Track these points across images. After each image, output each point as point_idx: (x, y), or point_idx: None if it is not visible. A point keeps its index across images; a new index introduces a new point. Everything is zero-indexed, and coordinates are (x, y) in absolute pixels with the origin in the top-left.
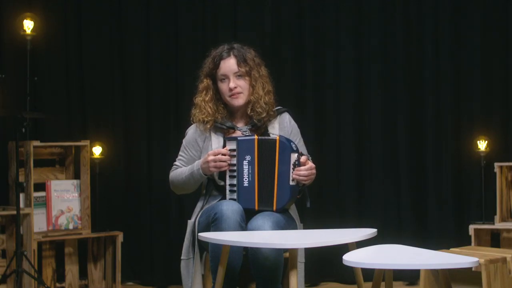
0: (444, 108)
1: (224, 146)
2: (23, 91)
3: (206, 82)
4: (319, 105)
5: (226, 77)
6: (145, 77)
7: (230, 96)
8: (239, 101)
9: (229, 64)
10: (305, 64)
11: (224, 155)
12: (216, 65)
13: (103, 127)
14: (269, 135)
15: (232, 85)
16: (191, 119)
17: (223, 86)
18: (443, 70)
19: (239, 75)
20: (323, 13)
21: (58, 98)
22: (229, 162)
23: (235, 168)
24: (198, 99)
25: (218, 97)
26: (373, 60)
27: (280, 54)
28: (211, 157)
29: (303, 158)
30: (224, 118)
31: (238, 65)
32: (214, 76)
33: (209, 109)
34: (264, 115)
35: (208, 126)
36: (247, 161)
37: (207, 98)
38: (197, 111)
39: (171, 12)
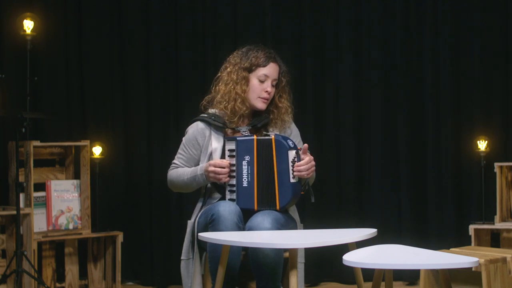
0: (444, 108)
1: (224, 146)
2: (23, 91)
3: (243, 74)
4: (319, 105)
5: (266, 79)
6: (145, 77)
7: (261, 97)
8: (264, 106)
9: (274, 69)
10: (305, 64)
11: (224, 167)
12: (264, 64)
13: (103, 127)
14: (267, 135)
15: (269, 89)
16: (218, 107)
17: (259, 85)
18: (443, 70)
19: (274, 83)
20: (323, 13)
21: (58, 98)
22: (228, 174)
23: (234, 168)
24: (237, 89)
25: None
26: (373, 60)
27: (280, 54)
28: (211, 168)
29: (303, 148)
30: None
31: (279, 74)
32: (250, 72)
33: (247, 103)
34: (285, 124)
35: (241, 120)
36: (246, 162)
37: (248, 89)
38: (238, 102)
39: (171, 12)
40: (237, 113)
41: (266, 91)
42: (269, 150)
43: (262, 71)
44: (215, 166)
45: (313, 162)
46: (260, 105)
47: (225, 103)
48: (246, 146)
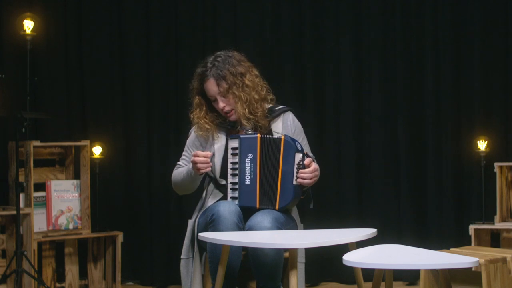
0: (444, 108)
1: (226, 144)
2: (23, 91)
3: (197, 99)
4: (319, 105)
5: (213, 98)
6: (145, 77)
7: (224, 114)
8: (233, 117)
9: (211, 86)
10: (305, 64)
11: (205, 157)
12: (202, 88)
13: (103, 127)
14: (272, 134)
15: (221, 105)
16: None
17: (216, 106)
18: (443, 70)
19: (223, 95)
20: (323, 11)
21: (58, 98)
22: (209, 166)
23: (237, 166)
24: (194, 116)
25: (212, 107)
26: (373, 60)
27: (280, 54)
28: (192, 158)
29: (307, 160)
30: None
31: (218, 85)
32: (203, 95)
33: (206, 125)
34: (249, 127)
35: (213, 133)
36: (249, 159)
37: (201, 114)
38: (196, 127)
39: (171, 13)
40: (224, 125)
41: (221, 109)
42: (276, 149)
43: (207, 93)
44: (195, 156)
45: (318, 172)
46: (230, 119)
47: (197, 131)
48: (249, 144)
